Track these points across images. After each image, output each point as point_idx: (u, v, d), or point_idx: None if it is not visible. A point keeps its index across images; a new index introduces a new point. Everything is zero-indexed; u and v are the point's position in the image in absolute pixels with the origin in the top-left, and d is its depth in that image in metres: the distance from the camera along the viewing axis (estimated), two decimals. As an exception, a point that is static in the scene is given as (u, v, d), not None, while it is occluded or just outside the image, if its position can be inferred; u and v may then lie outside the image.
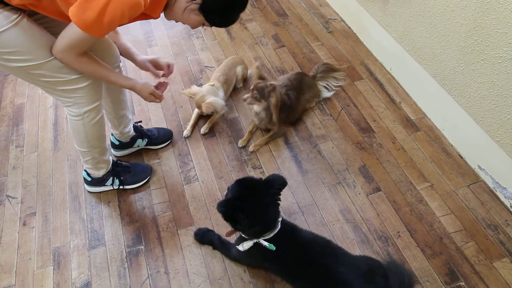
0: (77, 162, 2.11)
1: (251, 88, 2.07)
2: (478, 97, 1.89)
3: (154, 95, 1.66)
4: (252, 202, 1.46)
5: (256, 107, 2.12)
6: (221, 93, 2.25)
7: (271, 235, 1.49)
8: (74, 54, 1.36)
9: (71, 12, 1.22)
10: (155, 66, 1.75)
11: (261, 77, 2.08)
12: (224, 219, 1.48)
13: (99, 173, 1.89)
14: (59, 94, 1.52)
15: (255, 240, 1.50)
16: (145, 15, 1.41)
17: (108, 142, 2.08)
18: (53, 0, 1.28)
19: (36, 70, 1.40)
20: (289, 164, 2.09)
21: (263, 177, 1.55)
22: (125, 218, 1.90)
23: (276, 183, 1.51)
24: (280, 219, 1.53)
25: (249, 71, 2.53)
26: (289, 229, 1.56)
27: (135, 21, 1.52)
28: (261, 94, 2.03)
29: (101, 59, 1.71)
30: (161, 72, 1.77)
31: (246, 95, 2.08)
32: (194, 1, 1.36)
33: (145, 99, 1.67)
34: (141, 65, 1.74)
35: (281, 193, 1.53)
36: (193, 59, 2.68)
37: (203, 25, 1.48)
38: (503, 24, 1.65)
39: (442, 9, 1.94)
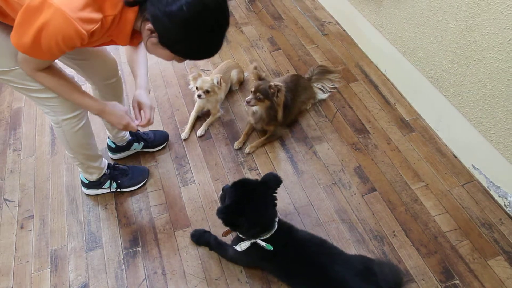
0: (74, 166, 2.12)
1: (252, 90, 2.06)
2: (471, 97, 1.91)
3: (127, 127, 1.55)
4: (251, 205, 1.47)
5: (258, 108, 2.12)
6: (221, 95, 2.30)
7: (269, 235, 1.50)
8: (31, 68, 1.31)
9: (11, 35, 1.18)
10: (139, 106, 1.60)
11: (260, 78, 2.09)
12: (225, 225, 1.50)
13: (91, 177, 1.91)
14: (34, 100, 1.50)
15: (252, 241, 1.51)
16: (113, 42, 1.35)
17: (100, 148, 2.08)
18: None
19: (3, 75, 1.39)
20: (285, 165, 2.10)
21: (259, 179, 1.56)
22: (122, 220, 1.91)
23: (273, 183, 1.53)
24: (277, 219, 1.54)
25: (245, 74, 2.55)
26: (286, 229, 1.57)
27: (103, 46, 1.48)
28: (265, 94, 2.04)
29: (96, 71, 1.71)
30: (138, 120, 1.59)
31: (249, 97, 2.07)
32: (152, 34, 1.20)
33: (115, 126, 1.56)
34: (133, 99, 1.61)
35: (277, 192, 1.54)
36: (189, 62, 2.69)
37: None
38: (493, 25, 1.67)
39: (434, 11, 1.97)
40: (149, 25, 1.18)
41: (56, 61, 1.34)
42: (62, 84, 1.41)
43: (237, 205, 1.46)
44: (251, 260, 1.68)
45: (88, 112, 1.59)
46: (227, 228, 1.61)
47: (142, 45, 1.59)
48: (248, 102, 2.07)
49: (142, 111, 1.58)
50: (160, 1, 1.11)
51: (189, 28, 1.14)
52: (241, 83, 2.53)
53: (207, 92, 2.16)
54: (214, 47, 1.25)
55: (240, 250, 1.54)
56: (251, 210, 1.46)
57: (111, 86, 1.81)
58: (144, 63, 1.61)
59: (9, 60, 1.34)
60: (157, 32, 1.18)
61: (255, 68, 2.11)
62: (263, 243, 1.49)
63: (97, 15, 1.15)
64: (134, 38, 1.34)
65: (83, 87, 1.49)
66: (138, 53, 1.60)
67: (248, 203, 1.47)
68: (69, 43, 1.16)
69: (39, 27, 1.11)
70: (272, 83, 2.01)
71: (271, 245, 1.49)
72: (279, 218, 1.56)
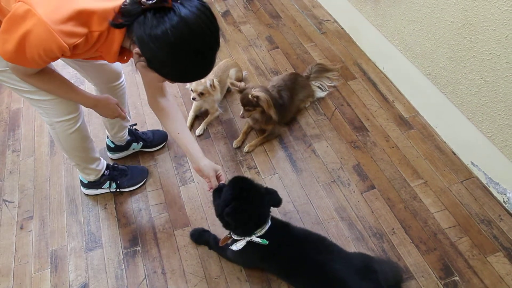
0: (73, 166, 2.12)
1: (241, 104, 2.09)
2: (469, 94, 1.91)
3: (118, 117, 1.66)
4: (248, 204, 1.47)
5: (256, 115, 2.12)
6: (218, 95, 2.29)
7: (263, 231, 1.50)
8: (20, 74, 1.31)
9: None
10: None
11: (241, 90, 2.08)
12: (224, 225, 1.50)
13: (89, 178, 1.91)
14: (28, 101, 1.50)
15: (247, 239, 1.51)
16: (101, 57, 1.34)
17: (99, 148, 2.08)
18: None
19: None
20: (283, 163, 2.10)
21: (258, 178, 1.55)
22: (121, 220, 1.92)
23: (273, 197, 1.53)
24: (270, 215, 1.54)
25: (244, 73, 2.55)
26: (283, 227, 1.57)
27: (93, 60, 1.50)
28: (251, 105, 2.05)
29: (98, 73, 1.72)
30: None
31: (241, 113, 2.10)
32: (141, 58, 1.18)
33: (111, 116, 1.65)
34: (197, 170, 1.60)
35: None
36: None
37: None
38: (491, 21, 1.67)
39: (431, 7, 1.97)
40: (136, 49, 1.16)
41: (58, 60, 1.33)
42: (56, 86, 1.41)
43: (239, 206, 1.45)
44: (249, 260, 1.67)
45: (85, 114, 1.60)
46: (225, 234, 1.60)
47: (176, 114, 1.62)
48: (243, 117, 2.10)
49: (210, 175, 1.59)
50: (146, 24, 1.09)
51: (175, 51, 1.12)
52: (240, 82, 2.53)
53: (201, 94, 2.17)
54: (203, 69, 1.23)
55: (236, 250, 1.54)
56: (248, 205, 1.46)
57: (113, 88, 1.81)
58: (189, 132, 1.63)
59: (1, 60, 1.33)
60: (144, 56, 1.16)
61: (232, 84, 2.11)
62: (258, 239, 1.48)
63: (81, 30, 1.14)
64: (124, 56, 1.34)
65: (83, 87, 1.49)
66: (179, 127, 1.60)
67: (246, 197, 1.47)
68: (50, 55, 1.16)
69: (21, 36, 1.11)
70: (249, 95, 2.02)
71: (269, 243, 1.48)
72: (272, 216, 1.56)
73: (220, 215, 1.51)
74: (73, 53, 1.19)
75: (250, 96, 2.01)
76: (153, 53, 1.14)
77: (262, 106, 2.03)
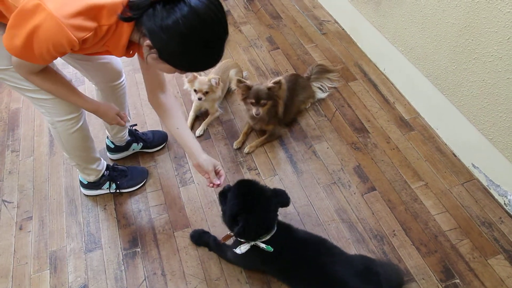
0: (73, 167, 2.11)
1: (253, 101, 2.02)
2: (470, 95, 1.91)
3: (119, 116, 1.64)
4: (255, 208, 1.46)
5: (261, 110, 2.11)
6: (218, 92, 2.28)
7: (268, 237, 1.49)
8: (25, 72, 1.31)
9: (3, 37, 1.18)
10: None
11: (249, 87, 2.04)
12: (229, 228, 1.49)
13: (89, 178, 1.90)
14: (30, 100, 1.50)
15: (252, 243, 1.50)
16: (108, 52, 1.34)
17: (99, 149, 2.07)
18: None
19: None
20: (284, 165, 2.10)
21: (259, 179, 1.54)
22: (121, 221, 1.91)
23: (281, 198, 1.53)
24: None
25: (244, 73, 2.54)
26: (284, 229, 1.56)
27: (99, 55, 1.51)
28: (268, 97, 2.02)
29: (99, 72, 1.71)
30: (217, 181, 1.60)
31: (255, 110, 2.03)
32: (152, 50, 1.20)
33: (109, 123, 1.65)
34: (196, 166, 1.60)
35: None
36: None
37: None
38: (493, 23, 1.67)
39: (433, 9, 1.96)
40: (147, 42, 1.17)
41: (59, 59, 1.32)
42: (58, 87, 1.41)
43: (248, 223, 1.43)
44: (251, 262, 1.66)
45: (86, 114, 1.63)
46: (226, 233, 1.60)
47: (175, 110, 1.62)
48: (257, 115, 2.04)
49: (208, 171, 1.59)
50: (156, 15, 1.10)
51: (186, 41, 1.13)
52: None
53: (206, 93, 2.16)
54: (214, 59, 1.24)
55: (240, 253, 1.53)
56: (255, 215, 1.45)
57: (114, 88, 1.80)
58: (188, 128, 1.64)
59: (4, 59, 1.33)
60: (155, 47, 1.17)
61: (239, 81, 2.05)
62: (263, 245, 1.48)
63: (91, 24, 1.14)
64: (130, 50, 1.34)
65: (83, 87, 1.48)
66: (178, 123, 1.61)
67: (252, 206, 1.46)
68: (60, 49, 1.16)
69: (31, 30, 1.10)
70: (270, 85, 2.00)
71: (271, 246, 1.48)
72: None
73: (226, 222, 1.51)
74: (81, 47, 1.19)
75: (270, 86, 1.99)
76: (164, 44, 1.15)
77: (278, 95, 2.02)
